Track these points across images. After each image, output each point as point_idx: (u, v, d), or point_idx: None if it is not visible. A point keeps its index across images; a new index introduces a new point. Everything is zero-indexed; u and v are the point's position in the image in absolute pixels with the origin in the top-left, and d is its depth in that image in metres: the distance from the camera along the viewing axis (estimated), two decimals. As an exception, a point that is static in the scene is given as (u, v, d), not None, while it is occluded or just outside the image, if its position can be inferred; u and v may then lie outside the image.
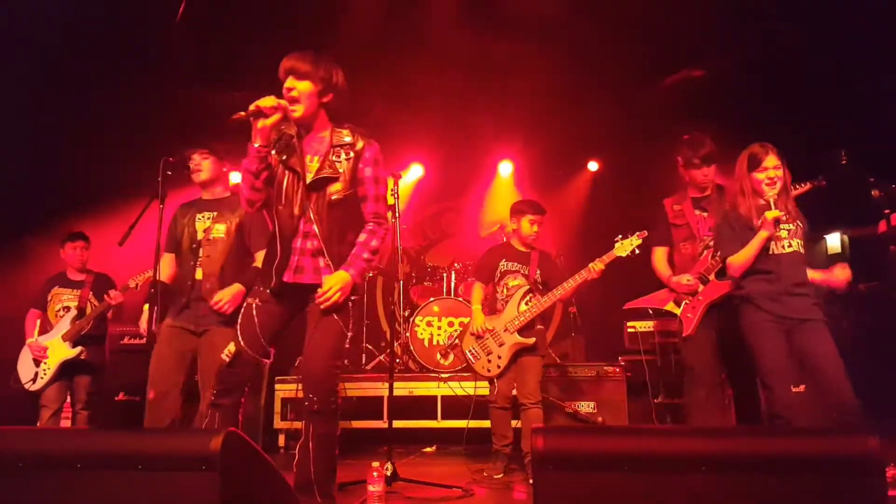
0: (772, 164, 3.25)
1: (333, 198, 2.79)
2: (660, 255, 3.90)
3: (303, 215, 2.80)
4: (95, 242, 4.85)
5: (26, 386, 4.37)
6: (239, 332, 2.81)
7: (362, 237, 2.86)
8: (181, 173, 3.73)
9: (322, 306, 2.73)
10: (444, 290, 6.07)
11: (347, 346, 2.83)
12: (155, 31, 5.45)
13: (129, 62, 5.59)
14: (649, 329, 4.94)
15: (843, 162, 3.40)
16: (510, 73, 6.22)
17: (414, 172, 7.44)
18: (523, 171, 7.05)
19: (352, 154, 2.83)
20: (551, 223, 7.10)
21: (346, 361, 4.43)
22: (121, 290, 4.37)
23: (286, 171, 2.81)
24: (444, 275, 6.16)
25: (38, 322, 4.55)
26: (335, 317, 2.76)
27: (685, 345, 3.71)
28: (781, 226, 3.26)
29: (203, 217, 3.72)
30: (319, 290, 2.74)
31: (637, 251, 3.90)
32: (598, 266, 3.89)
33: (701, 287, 3.65)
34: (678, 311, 3.73)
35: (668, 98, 6.19)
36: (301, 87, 2.74)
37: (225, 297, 3.50)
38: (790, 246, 3.27)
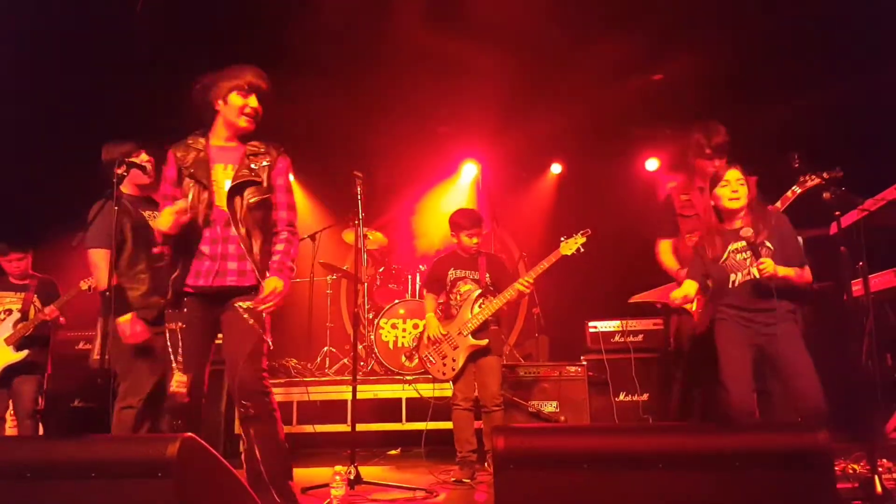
0: (734, 178, 3.20)
1: (252, 201, 2.84)
2: (665, 248, 3.81)
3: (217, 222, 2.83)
4: (58, 246, 4.70)
5: None
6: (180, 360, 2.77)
7: (281, 246, 2.89)
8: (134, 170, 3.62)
9: (263, 309, 2.76)
10: (409, 292, 6.06)
11: (268, 349, 2.84)
12: (115, 24, 5.33)
13: (86, 56, 5.46)
14: (611, 329, 5.00)
15: (796, 165, 3.47)
16: (472, 74, 6.25)
17: (379, 174, 7.41)
18: (487, 173, 7.08)
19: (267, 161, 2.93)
20: (515, 225, 7.23)
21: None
22: (67, 295, 4.36)
23: (195, 183, 2.84)
24: (409, 277, 6.14)
25: None
26: (253, 323, 2.77)
27: (698, 343, 3.57)
28: (739, 255, 3.19)
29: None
30: (261, 294, 2.74)
31: (582, 249, 3.87)
32: (529, 279, 3.93)
33: None
34: (692, 307, 3.57)
35: (630, 100, 6.29)
36: (255, 104, 2.90)
37: None
38: (748, 274, 3.17)
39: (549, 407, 4.72)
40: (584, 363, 4.86)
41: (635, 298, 4.02)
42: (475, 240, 4.19)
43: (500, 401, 4.04)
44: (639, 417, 4.70)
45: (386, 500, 3.46)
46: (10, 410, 4.48)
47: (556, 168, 7.43)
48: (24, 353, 4.33)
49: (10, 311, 4.44)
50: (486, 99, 6.32)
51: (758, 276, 3.08)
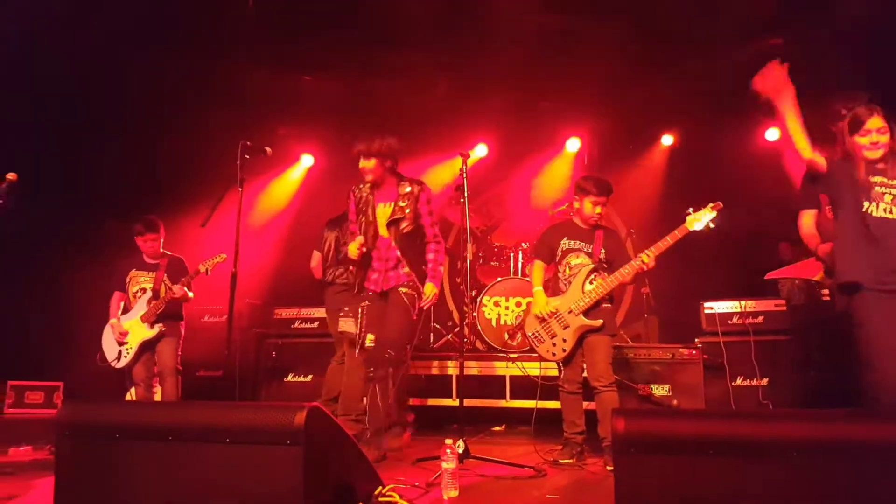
0: (875, 127, 3.03)
1: (404, 230, 4.03)
2: (807, 220, 3.60)
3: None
4: (179, 226, 5.11)
5: (112, 363, 4.68)
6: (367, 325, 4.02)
7: (431, 255, 4.10)
8: (258, 157, 3.88)
9: (425, 307, 4.07)
10: (511, 270, 6.02)
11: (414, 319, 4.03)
12: (228, 17, 5.56)
13: (203, 49, 5.75)
14: (728, 310, 4.74)
15: None
16: (578, 47, 6.04)
17: (479, 152, 7.37)
18: (593, 147, 6.84)
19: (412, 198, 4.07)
20: (623, 200, 6.98)
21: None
22: (191, 275, 4.65)
23: (365, 218, 4.09)
24: (511, 255, 6.09)
25: (122, 304, 4.79)
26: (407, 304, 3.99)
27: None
28: (886, 189, 3.02)
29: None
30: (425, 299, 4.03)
31: (712, 225, 3.60)
32: (649, 257, 3.68)
33: None
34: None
35: (748, 66, 5.86)
36: (370, 164, 3.98)
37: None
38: (889, 212, 2.99)
39: (661, 390, 4.56)
40: (700, 345, 4.66)
41: (771, 275, 3.73)
42: (599, 209, 3.93)
43: (609, 380, 3.80)
44: (758, 403, 4.46)
45: (494, 476, 3.47)
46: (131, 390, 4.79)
47: (666, 140, 7.09)
48: (157, 329, 4.63)
49: (144, 290, 4.73)
50: (591, 72, 6.11)
51: None
